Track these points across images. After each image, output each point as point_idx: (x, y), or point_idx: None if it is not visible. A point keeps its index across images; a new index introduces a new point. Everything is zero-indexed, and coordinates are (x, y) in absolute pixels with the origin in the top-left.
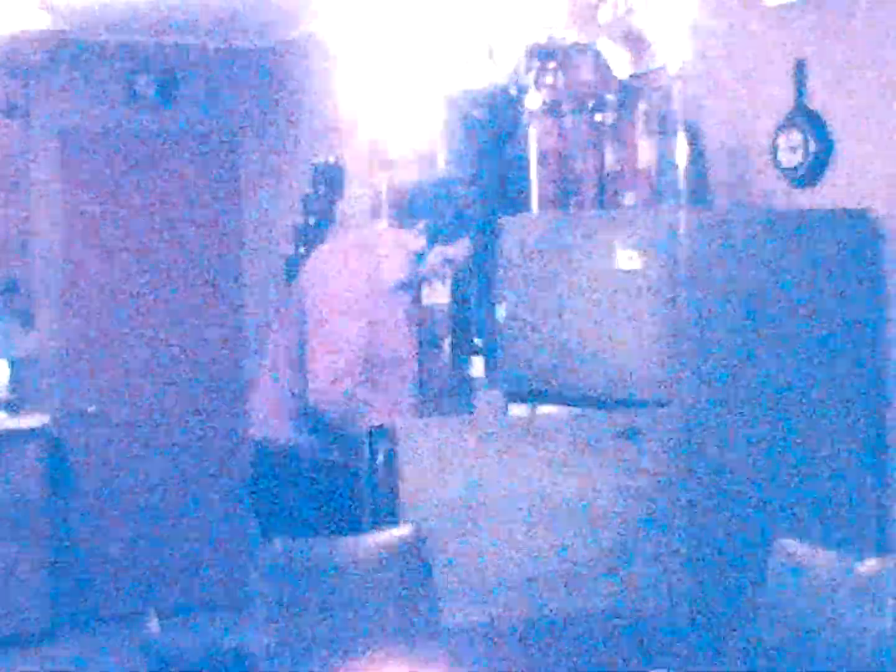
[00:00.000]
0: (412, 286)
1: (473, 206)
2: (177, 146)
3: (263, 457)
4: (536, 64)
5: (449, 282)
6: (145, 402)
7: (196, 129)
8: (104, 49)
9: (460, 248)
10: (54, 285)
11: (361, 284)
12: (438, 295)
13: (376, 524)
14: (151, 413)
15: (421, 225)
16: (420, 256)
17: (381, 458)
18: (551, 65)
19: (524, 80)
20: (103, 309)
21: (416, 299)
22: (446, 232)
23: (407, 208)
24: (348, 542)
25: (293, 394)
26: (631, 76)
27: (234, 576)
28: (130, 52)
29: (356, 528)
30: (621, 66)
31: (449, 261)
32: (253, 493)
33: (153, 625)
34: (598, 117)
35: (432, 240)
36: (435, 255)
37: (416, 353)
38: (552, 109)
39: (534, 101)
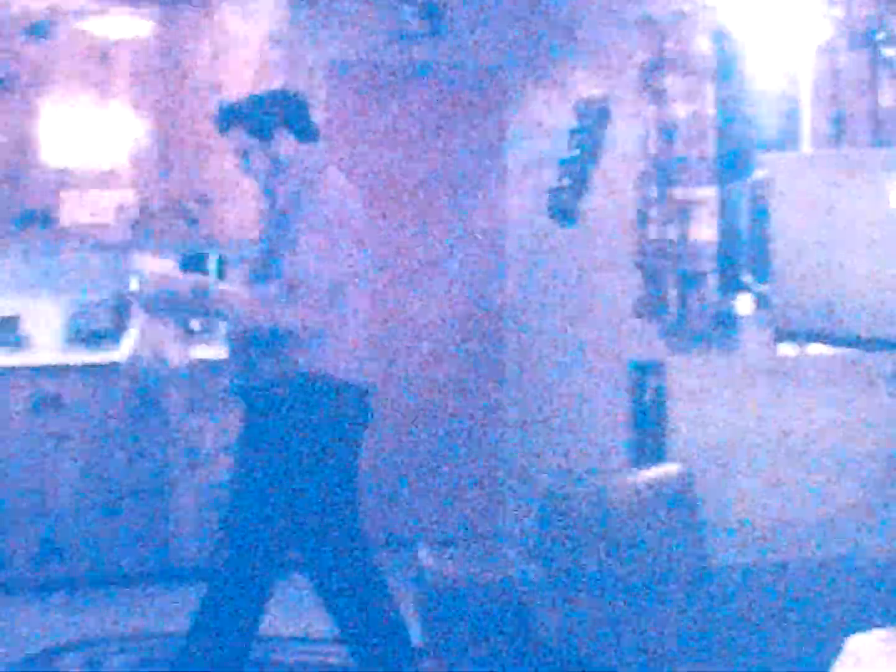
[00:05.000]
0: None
1: None
2: (442, 79)
3: None
4: None
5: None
6: (404, 338)
7: (462, 60)
8: None
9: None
10: None
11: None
12: (704, 230)
13: (644, 460)
14: (412, 349)
15: None
16: None
17: (649, 394)
18: None
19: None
20: (361, 241)
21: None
22: None
23: None
24: (617, 478)
25: None
26: None
27: (492, 507)
28: None
29: None
30: None
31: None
32: None
33: (425, 555)
34: (877, 53)
35: None
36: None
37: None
38: (828, 45)
39: (811, 37)
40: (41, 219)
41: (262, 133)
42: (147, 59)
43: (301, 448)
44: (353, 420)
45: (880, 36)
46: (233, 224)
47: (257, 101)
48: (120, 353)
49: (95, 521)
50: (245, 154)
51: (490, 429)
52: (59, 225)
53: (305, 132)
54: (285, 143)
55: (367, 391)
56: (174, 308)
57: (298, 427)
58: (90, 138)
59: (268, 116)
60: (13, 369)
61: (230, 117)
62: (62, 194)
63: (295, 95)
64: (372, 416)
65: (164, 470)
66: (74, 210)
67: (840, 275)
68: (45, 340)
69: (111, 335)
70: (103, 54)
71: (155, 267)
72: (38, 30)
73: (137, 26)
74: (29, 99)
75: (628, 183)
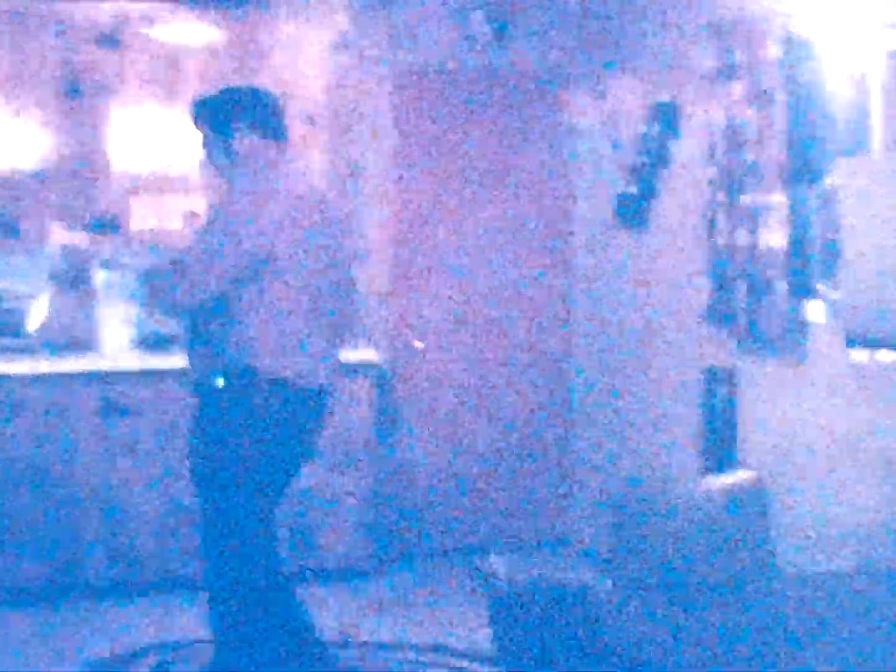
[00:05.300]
0: None
1: None
2: (509, 85)
3: None
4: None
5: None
6: (473, 341)
7: (528, 67)
8: None
9: None
10: (381, 222)
11: None
12: (774, 237)
13: (715, 467)
14: (480, 352)
15: None
16: None
17: (720, 400)
18: None
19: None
20: (431, 246)
21: None
22: None
23: None
24: (688, 484)
25: None
26: None
27: (562, 513)
28: None
29: None
30: None
31: None
32: None
33: (495, 564)
34: None
35: None
36: None
37: None
38: None
39: (881, 42)
40: (110, 224)
41: (223, 127)
42: (215, 64)
43: (220, 444)
44: (279, 421)
45: None
46: None
47: (223, 97)
48: (31, 323)
49: (165, 526)
50: (208, 146)
51: (559, 433)
52: (128, 231)
53: (268, 129)
54: (245, 139)
55: (308, 391)
56: (85, 281)
57: (221, 422)
58: (159, 144)
59: (230, 111)
60: (82, 374)
61: (199, 111)
62: (131, 200)
63: (261, 93)
64: (316, 417)
65: None
66: (143, 216)
67: None
68: (114, 345)
69: (180, 340)
70: (171, 61)
71: (67, 240)
72: (107, 37)
73: (205, 32)
74: (98, 106)
75: (697, 189)
